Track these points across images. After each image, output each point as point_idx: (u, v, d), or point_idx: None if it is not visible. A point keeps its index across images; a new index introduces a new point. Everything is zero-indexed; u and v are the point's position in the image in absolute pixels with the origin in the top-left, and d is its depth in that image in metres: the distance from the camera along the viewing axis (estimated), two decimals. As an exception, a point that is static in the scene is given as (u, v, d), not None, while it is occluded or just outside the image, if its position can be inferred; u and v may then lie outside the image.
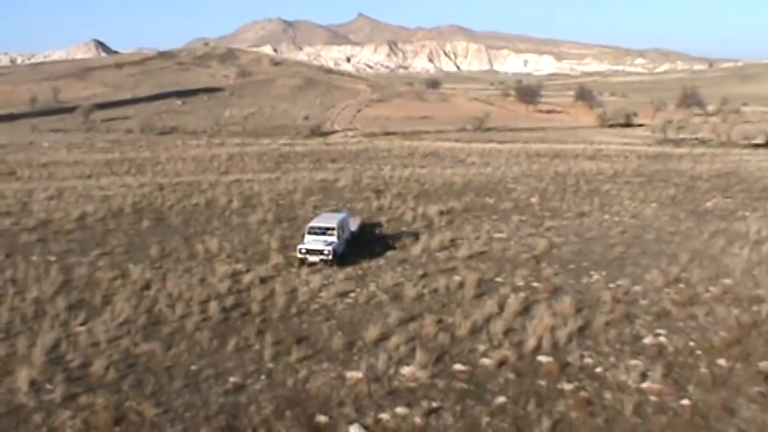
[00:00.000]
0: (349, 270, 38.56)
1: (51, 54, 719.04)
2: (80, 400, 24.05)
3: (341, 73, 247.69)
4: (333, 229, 39.51)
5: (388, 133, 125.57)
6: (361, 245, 42.90)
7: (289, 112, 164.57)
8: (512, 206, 56.99)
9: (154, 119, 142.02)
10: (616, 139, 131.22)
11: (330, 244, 38.68)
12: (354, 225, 44.95)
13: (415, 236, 45.71)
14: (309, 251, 38.62)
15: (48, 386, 24.96)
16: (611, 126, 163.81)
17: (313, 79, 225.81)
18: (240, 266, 38.73)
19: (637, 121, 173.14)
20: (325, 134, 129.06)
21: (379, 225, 49.57)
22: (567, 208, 56.46)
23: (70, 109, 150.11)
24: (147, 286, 35.37)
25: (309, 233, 39.83)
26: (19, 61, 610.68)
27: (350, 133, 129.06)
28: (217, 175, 73.60)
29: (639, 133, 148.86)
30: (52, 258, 40.46)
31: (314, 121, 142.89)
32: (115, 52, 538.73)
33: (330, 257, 38.24)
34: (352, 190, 63.73)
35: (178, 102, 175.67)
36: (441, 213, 53.57)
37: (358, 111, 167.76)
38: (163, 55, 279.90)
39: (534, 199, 60.13)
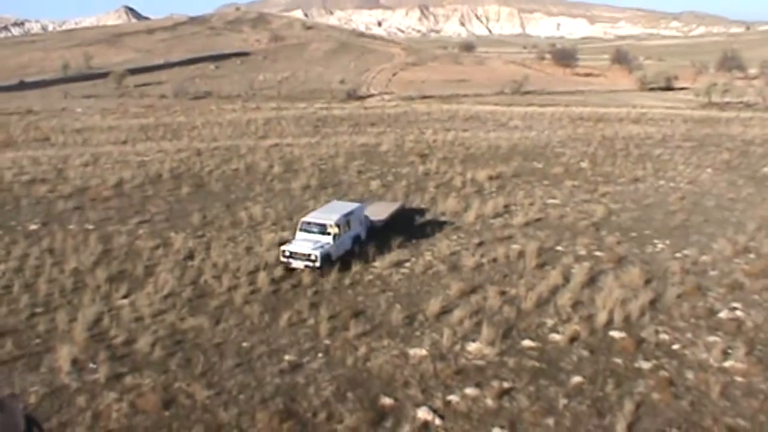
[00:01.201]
0: (401, 238, 36.36)
1: (81, 21, 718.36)
2: (126, 380, 22.26)
3: (374, 37, 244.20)
4: (330, 226, 31.99)
5: (425, 97, 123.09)
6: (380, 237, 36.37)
7: (324, 76, 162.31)
8: (563, 171, 54.57)
9: (187, 84, 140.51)
10: (659, 102, 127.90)
11: (321, 246, 31.00)
12: (382, 213, 38.43)
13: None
14: (293, 255, 31.00)
15: (91, 365, 23.20)
16: (651, 89, 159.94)
17: (346, 43, 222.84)
18: (287, 234, 36.69)
19: (678, 84, 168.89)
20: (362, 98, 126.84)
21: (421, 211, 42.63)
22: (620, 174, 53.94)
23: (102, 75, 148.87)
24: (190, 256, 33.51)
25: (301, 229, 32.57)
26: (50, 28, 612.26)
27: (387, 97, 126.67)
28: (255, 139, 71.67)
29: (681, 96, 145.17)
30: (90, 226, 38.73)
31: (350, 85, 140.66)
32: (146, 18, 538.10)
33: (317, 263, 30.51)
34: (396, 154, 61.51)
35: (211, 67, 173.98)
36: (490, 178, 51.33)
37: (394, 75, 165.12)
38: (194, 20, 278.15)
39: (584, 164, 57.65)
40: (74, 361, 23.22)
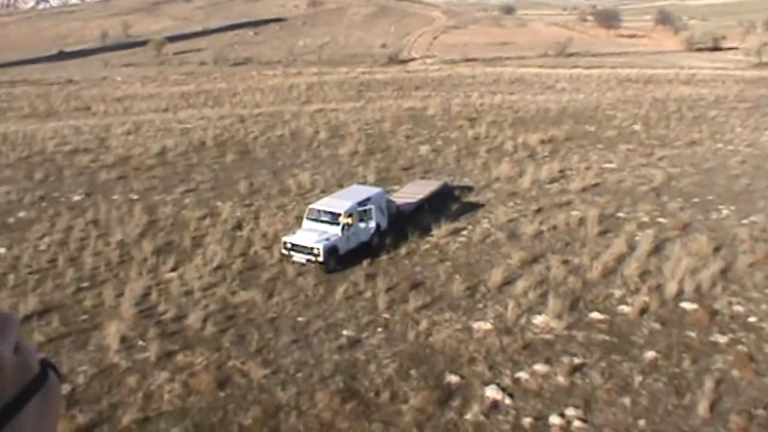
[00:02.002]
0: (457, 205, 34.84)
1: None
2: (177, 358, 21.09)
3: (413, 1, 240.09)
4: (340, 215, 28.23)
5: (468, 60, 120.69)
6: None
7: (364, 41, 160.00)
8: (616, 134, 52.55)
9: (226, 50, 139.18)
10: (707, 63, 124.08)
11: (326, 239, 27.25)
12: (420, 193, 34.85)
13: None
14: (294, 247, 27.45)
15: (140, 343, 22.06)
16: (699, 50, 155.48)
17: (385, 6, 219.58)
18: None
19: (725, 44, 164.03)
20: (403, 62, 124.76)
21: (466, 189, 38.98)
22: (675, 137, 51.79)
23: (141, 44, 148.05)
24: (239, 226, 32.29)
25: (308, 218, 29.04)
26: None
27: (429, 61, 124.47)
28: (298, 105, 70.29)
29: (730, 57, 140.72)
30: (135, 197, 37.68)
31: (391, 49, 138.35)
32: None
33: (320, 258, 26.81)
34: (443, 118, 59.84)
35: (251, 33, 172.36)
36: (542, 142, 49.56)
37: (435, 38, 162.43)
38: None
39: (637, 127, 55.54)
40: (123, 339, 22.12)
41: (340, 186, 38.30)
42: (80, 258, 28.92)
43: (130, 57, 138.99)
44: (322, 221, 28.28)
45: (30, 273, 27.65)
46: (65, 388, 19.49)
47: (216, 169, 43.58)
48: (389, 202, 31.57)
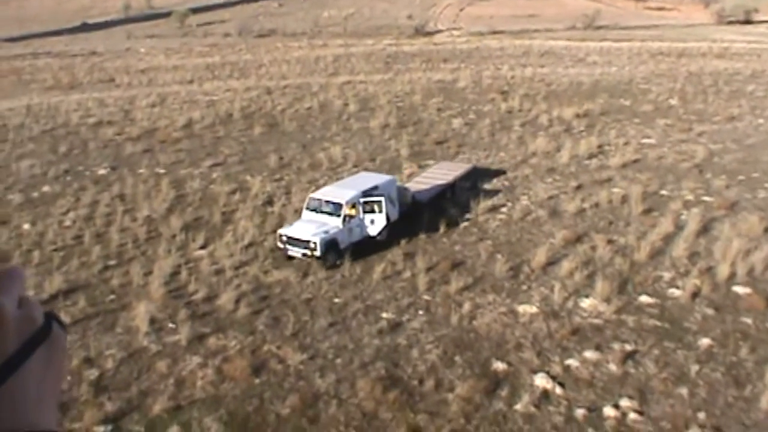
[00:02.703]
0: (494, 181, 33.55)
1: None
2: (209, 342, 20.03)
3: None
4: (342, 206, 25.87)
5: (495, 32, 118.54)
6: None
7: (389, 12, 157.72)
8: (652, 109, 50.88)
9: (251, 22, 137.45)
10: (739, 36, 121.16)
11: (325, 231, 24.94)
12: (444, 177, 32.26)
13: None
14: (290, 240, 25.22)
15: (170, 325, 21.03)
16: (729, 23, 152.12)
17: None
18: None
19: (758, 17, 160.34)
20: (430, 34, 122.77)
21: (502, 163, 37.40)
22: (714, 111, 49.99)
23: (164, 15, 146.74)
24: (270, 202, 31.19)
25: (308, 207, 26.67)
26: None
27: (456, 33, 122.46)
28: (325, 77, 68.98)
29: (763, 30, 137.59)
30: (161, 170, 36.63)
31: (417, 21, 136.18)
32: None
33: (317, 252, 24.53)
34: (474, 91, 58.39)
35: (275, 4, 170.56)
36: (578, 116, 48.00)
37: (461, 10, 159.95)
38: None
39: (674, 101, 53.78)
40: (152, 321, 21.10)
41: (373, 160, 37.20)
42: (106, 234, 27.96)
43: (153, 29, 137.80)
44: (323, 212, 26.00)
45: (55, 250, 26.72)
46: (93, 373, 18.55)
47: (244, 142, 42.47)
48: (402, 190, 29.01)
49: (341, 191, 26.73)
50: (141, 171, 36.61)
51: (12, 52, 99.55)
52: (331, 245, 24.70)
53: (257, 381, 18.32)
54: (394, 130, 44.41)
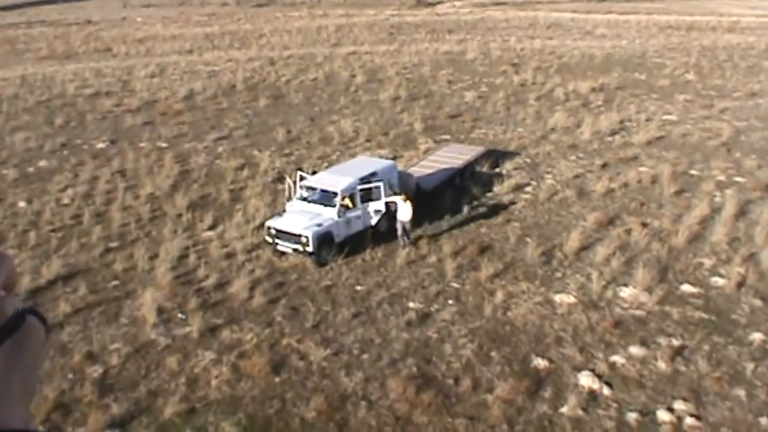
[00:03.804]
0: (516, 158, 31.82)
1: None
2: (223, 335, 18.36)
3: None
4: (336, 195, 23.03)
5: (498, 3, 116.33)
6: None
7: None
8: (669, 83, 49.03)
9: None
10: (746, 11, 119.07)
11: (318, 224, 22.22)
12: (454, 161, 29.60)
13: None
14: (279, 233, 22.47)
15: (180, 315, 19.33)
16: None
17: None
18: (386, 152, 32.31)
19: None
20: (431, 4, 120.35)
21: (521, 139, 35.44)
22: (733, 87, 48.15)
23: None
24: (280, 178, 29.40)
25: (300, 197, 23.76)
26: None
27: (458, 3, 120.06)
28: (328, 47, 67.02)
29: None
30: (163, 144, 34.82)
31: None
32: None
33: (308, 248, 21.85)
34: (484, 63, 56.54)
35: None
36: (593, 90, 46.23)
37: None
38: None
39: (690, 76, 51.90)
40: (160, 310, 19.40)
41: (386, 135, 35.46)
42: (107, 213, 26.24)
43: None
44: (316, 201, 23.26)
45: (52, 231, 25.00)
46: (96, 370, 16.86)
47: (249, 114, 40.61)
48: (405, 176, 26.22)
49: (336, 178, 23.78)
50: (142, 145, 34.80)
51: (5, 21, 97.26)
52: (325, 240, 22.11)
53: (277, 380, 16.67)
54: (405, 102, 42.61)
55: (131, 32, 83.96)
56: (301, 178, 24.36)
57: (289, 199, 23.78)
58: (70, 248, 23.47)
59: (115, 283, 21.20)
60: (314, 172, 26.30)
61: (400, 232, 23.24)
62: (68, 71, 55.08)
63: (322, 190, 23.38)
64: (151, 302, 19.43)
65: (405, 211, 22.99)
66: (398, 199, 23.26)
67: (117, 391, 16.28)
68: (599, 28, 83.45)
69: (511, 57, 58.78)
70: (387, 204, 23.93)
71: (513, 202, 27.28)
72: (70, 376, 16.77)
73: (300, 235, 21.80)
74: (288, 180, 24.67)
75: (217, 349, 17.75)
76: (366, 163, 26.30)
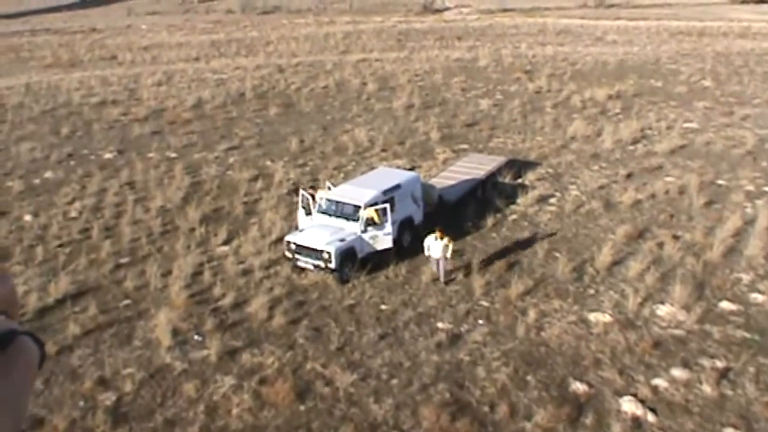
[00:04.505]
0: (538, 168, 30.84)
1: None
2: (243, 359, 17.29)
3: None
4: (360, 208, 21.97)
5: (505, 10, 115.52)
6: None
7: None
8: (687, 90, 48.00)
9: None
10: (756, 16, 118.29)
11: (341, 239, 21.24)
12: (477, 171, 28.70)
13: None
14: (299, 249, 21.47)
15: (196, 337, 18.28)
16: (744, 2, 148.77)
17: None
18: (403, 162, 31.29)
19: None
20: (438, 11, 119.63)
21: (541, 149, 34.38)
22: (752, 94, 47.08)
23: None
24: (296, 190, 28.23)
25: (320, 210, 22.70)
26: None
27: (465, 10, 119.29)
28: (337, 54, 66.13)
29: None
30: (173, 154, 33.83)
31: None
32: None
33: (331, 265, 20.82)
34: (496, 70, 55.57)
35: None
36: (610, 97, 45.21)
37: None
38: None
39: (707, 83, 50.88)
40: (174, 332, 18.37)
41: (402, 144, 34.45)
42: (117, 227, 25.24)
43: (154, 5, 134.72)
44: (338, 215, 22.26)
45: (60, 246, 23.99)
46: (109, 398, 15.80)
47: (259, 123, 39.64)
48: (428, 188, 25.24)
49: (359, 191, 22.65)
50: (151, 155, 33.80)
51: (10, 29, 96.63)
52: (348, 256, 21.07)
53: (302, 408, 15.63)
54: (419, 111, 41.61)
55: (136, 40, 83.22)
56: (312, 195, 23.28)
57: (309, 213, 22.63)
58: (78, 264, 22.46)
59: (126, 302, 20.16)
60: (312, 187, 24.91)
61: (434, 268, 21.32)
62: (73, 79, 54.20)
63: (344, 203, 22.29)
64: (166, 323, 18.41)
65: (436, 249, 20.76)
66: (430, 238, 20.95)
67: (132, 420, 15.25)
68: (609, 35, 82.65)
69: (523, 64, 57.82)
70: (408, 218, 23.17)
71: (538, 215, 26.16)
72: (81, 404, 15.72)
73: (322, 251, 20.76)
74: (303, 192, 23.50)
75: (237, 374, 16.70)
76: (388, 174, 25.19)
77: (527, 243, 23.95)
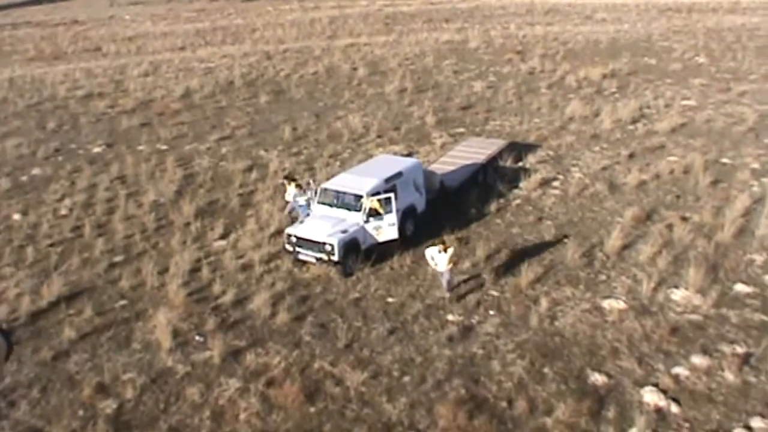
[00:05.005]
0: (538, 150, 30.20)
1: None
2: (247, 359, 16.61)
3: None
4: (362, 197, 21.22)
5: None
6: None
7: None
8: (681, 67, 47.24)
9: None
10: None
11: (343, 231, 20.56)
12: (477, 156, 27.79)
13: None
14: (300, 242, 20.73)
15: (197, 337, 17.60)
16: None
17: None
18: (399, 148, 30.55)
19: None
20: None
21: (539, 130, 33.75)
22: (747, 69, 46.28)
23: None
24: (292, 179, 27.42)
25: (320, 201, 21.94)
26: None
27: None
28: (325, 39, 65.12)
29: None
30: (163, 147, 33.03)
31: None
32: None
33: (334, 257, 20.17)
34: (487, 51, 54.66)
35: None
36: (605, 76, 44.37)
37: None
38: None
39: (702, 59, 50.11)
40: (175, 333, 17.64)
41: (397, 129, 33.70)
42: (109, 224, 24.50)
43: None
44: (338, 206, 21.50)
45: (51, 245, 23.25)
46: (110, 405, 15.14)
47: (250, 112, 38.78)
48: (429, 175, 24.56)
49: (360, 180, 21.84)
50: (141, 148, 32.98)
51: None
52: (350, 247, 20.40)
53: (312, 410, 14.98)
54: (412, 95, 40.81)
55: (120, 31, 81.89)
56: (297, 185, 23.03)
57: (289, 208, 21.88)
58: (71, 264, 21.73)
59: (123, 302, 19.44)
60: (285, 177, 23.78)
61: (444, 283, 19.49)
62: (58, 72, 53.11)
63: (345, 193, 21.49)
64: (165, 324, 17.71)
65: (442, 261, 19.04)
66: (434, 250, 19.19)
67: (134, 429, 14.60)
68: (599, 13, 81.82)
69: (514, 44, 56.97)
70: (411, 206, 22.52)
71: (542, 199, 25.49)
72: (81, 413, 15.05)
73: (324, 243, 20.05)
74: (286, 185, 22.72)
75: (243, 376, 16.00)
76: (389, 162, 24.29)
77: (533, 228, 23.32)
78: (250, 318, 18.36)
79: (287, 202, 23.49)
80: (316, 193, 22.21)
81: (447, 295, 19.15)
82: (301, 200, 22.26)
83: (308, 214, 21.74)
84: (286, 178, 23.64)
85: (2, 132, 36.72)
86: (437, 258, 18.97)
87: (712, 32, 61.52)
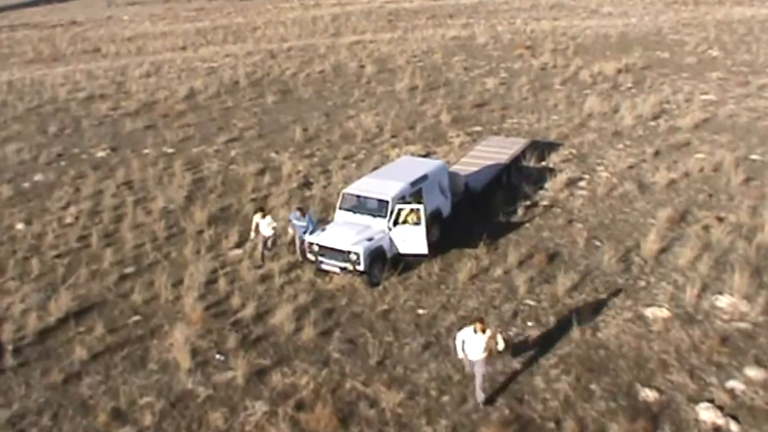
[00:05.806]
0: (560, 148, 29.10)
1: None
2: (273, 380, 15.48)
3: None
4: (387, 203, 20.00)
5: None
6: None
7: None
8: (696, 61, 46.14)
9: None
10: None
11: (369, 238, 19.40)
12: (499, 156, 26.34)
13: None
14: (323, 250, 19.64)
15: (218, 356, 16.44)
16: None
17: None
18: (416, 149, 29.43)
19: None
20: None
21: (559, 127, 32.58)
22: (764, 62, 45.12)
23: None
24: (307, 184, 26.55)
25: (342, 207, 20.75)
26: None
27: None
28: (329, 37, 64.08)
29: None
30: (170, 150, 31.91)
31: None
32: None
33: (361, 267, 19.02)
34: (496, 47, 53.54)
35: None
36: (620, 71, 43.27)
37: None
38: None
39: (715, 52, 49.01)
40: (194, 351, 16.43)
41: (412, 129, 32.55)
42: (118, 233, 23.42)
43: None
44: (361, 212, 20.34)
45: (57, 256, 22.12)
46: (127, 433, 13.88)
47: (257, 112, 37.68)
48: (454, 177, 23.14)
49: (385, 184, 20.54)
50: (146, 151, 31.87)
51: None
52: (376, 256, 19.28)
53: (348, 436, 13.68)
54: (423, 93, 39.71)
55: (119, 31, 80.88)
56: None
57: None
58: (79, 277, 20.60)
59: (136, 318, 18.29)
60: (261, 209, 21.99)
61: (477, 381, 14.82)
62: (57, 74, 52.04)
63: (369, 198, 20.23)
64: (183, 341, 16.57)
65: (477, 347, 14.45)
66: (467, 331, 14.57)
67: (155, 460, 13.35)
68: (604, 6, 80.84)
69: (523, 40, 55.84)
70: (437, 211, 21.38)
71: (570, 200, 24.37)
72: (96, 442, 13.80)
73: (348, 252, 18.91)
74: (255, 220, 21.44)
75: (269, 399, 14.87)
76: (413, 164, 22.97)
77: (564, 232, 22.21)
78: (274, 334, 17.21)
79: (257, 235, 21.36)
80: (316, 217, 21.01)
81: (480, 398, 14.74)
82: (300, 223, 20.70)
83: (303, 240, 20.37)
84: (256, 211, 21.62)
85: (2, 136, 35.67)
86: (470, 341, 14.48)
87: (722, 24, 60.46)
